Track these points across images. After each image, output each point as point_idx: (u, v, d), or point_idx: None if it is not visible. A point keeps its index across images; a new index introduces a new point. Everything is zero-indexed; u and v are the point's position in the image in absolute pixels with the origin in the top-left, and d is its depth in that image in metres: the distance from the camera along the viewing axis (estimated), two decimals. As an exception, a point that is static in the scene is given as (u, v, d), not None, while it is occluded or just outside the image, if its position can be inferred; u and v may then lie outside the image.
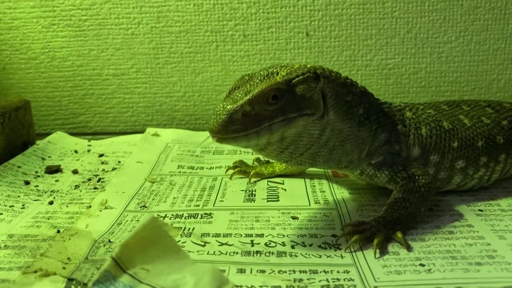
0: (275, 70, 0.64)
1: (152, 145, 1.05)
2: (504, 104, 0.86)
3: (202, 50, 1.22)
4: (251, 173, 0.87)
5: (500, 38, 1.19)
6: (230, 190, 0.83)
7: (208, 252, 0.61)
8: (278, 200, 0.78)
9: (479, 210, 0.73)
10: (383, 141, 0.72)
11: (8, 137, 0.99)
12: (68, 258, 0.60)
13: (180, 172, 0.92)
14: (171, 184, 0.86)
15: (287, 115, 0.61)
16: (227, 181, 0.87)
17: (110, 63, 1.23)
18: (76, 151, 1.06)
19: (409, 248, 0.61)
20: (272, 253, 0.61)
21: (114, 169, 0.95)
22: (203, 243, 0.64)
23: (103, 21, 1.20)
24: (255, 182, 0.87)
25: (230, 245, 0.63)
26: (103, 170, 0.95)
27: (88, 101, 1.26)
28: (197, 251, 0.61)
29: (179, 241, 0.64)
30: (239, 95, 0.61)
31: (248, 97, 0.59)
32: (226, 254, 0.61)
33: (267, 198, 0.79)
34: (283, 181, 0.87)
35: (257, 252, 0.61)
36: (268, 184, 0.85)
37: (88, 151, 1.06)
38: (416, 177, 0.69)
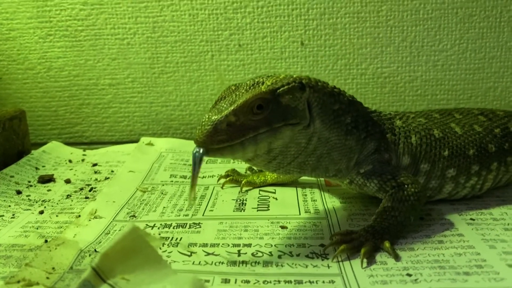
0: (261, 80, 0.64)
1: (146, 155, 1.05)
2: (497, 112, 0.85)
3: (198, 59, 1.22)
4: (243, 182, 0.86)
5: (496, 46, 1.19)
6: (221, 199, 0.83)
7: (194, 262, 0.61)
8: (268, 209, 0.78)
9: (471, 219, 0.72)
10: (372, 150, 0.71)
11: (2, 147, 1.00)
12: (53, 268, 0.60)
13: (172, 181, 0.92)
14: (162, 193, 0.86)
15: (272, 125, 0.61)
16: (219, 190, 0.87)
17: (106, 73, 1.24)
18: (70, 161, 1.06)
19: (397, 258, 0.60)
20: (258, 263, 0.61)
21: (106, 178, 0.95)
22: (189, 253, 0.63)
23: (99, 32, 1.21)
24: (246, 191, 0.86)
25: (216, 255, 0.63)
26: (96, 179, 0.95)
27: (85, 111, 1.27)
28: (183, 261, 0.61)
29: (165, 251, 0.64)
30: (224, 106, 0.60)
31: (232, 107, 0.59)
32: (211, 264, 0.60)
33: (257, 207, 0.79)
34: (275, 190, 0.86)
35: (243, 262, 0.61)
36: (259, 193, 0.85)
37: (82, 160, 1.06)
38: (406, 185, 0.68)
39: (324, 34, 1.20)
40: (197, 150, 0.58)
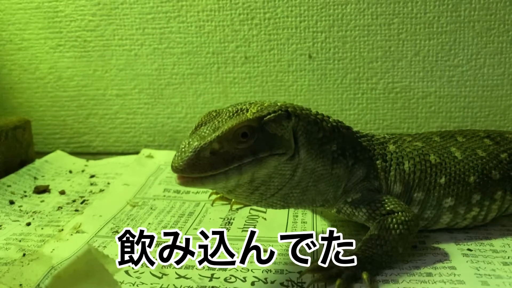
0: (244, 106, 0.60)
1: (144, 167, 1.04)
2: (506, 135, 0.79)
3: (204, 71, 1.21)
4: (233, 200, 0.83)
5: (516, 61, 1.12)
6: (209, 217, 0.80)
7: (162, 285, 0.59)
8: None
9: (468, 249, 0.67)
10: (360, 177, 0.67)
11: (4, 155, 1.01)
12: (20, 285, 0.59)
13: (164, 196, 0.90)
14: (151, 208, 0.84)
15: (258, 154, 0.57)
16: (209, 207, 0.85)
17: (113, 83, 1.24)
18: (70, 171, 1.06)
19: (374, 291, 0.56)
20: (229, 289, 0.58)
21: (101, 190, 0.94)
22: (160, 275, 0.61)
23: (107, 42, 1.21)
24: (237, 209, 0.83)
25: (188, 278, 0.60)
26: (91, 191, 0.94)
27: (92, 121, 1.28)
28: (151, 284, 0.59)
29: (137, 271, 0.62)
30: (207, 132, 0.57)
31: (217, 134, 0.55)
32: (180, 288, 0.58)
33: (243, 228, 0.76)
34: (266, 209, 0.83)
35: (212, 287, 0.58)
36: (249, 212, 0.82)
37: (82, 171, 1.06)
38: (395, 213, 0.64)
39: (333, 47, 1.17)
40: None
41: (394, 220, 0.63)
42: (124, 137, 1.28)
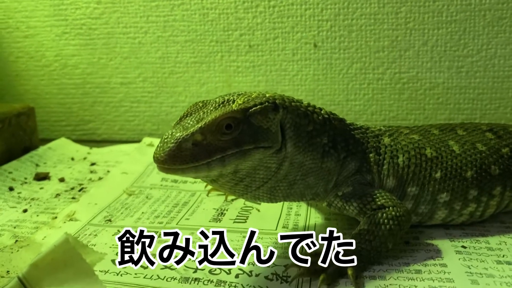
0: (231, 97, 0.59)
1: (144, 156, 1.04)
2: (510, 128, 0.76)
3: (207, 60, 1.20)
4: (228, 190, 0.83)
5: (529, 52, 1.08)
6: (202, 207, 0.80)
7: (146, 275, 0.59)
8: (246, 222, 0.74)
9: (462, 246, 0.65)
10: (353, 170, 0.65)
11: (7, 142, 1.02)
12: (7, 272, 0.59)
13: (161, 185, 0.90)
14: (147, 197, 0.84)
15: (242, 147, 0.56)
16: (204, 197, 0.84)
17: (118, 71, 1.24)
18: (72, 159, 1.07)
19: (358, 287, 0.55)
20: (212, 281, 0.57)
21: (100, 178, 0.95)
22: (146, 265, 0.61)
23: (112, 30, 1.21)
24: (232, 200, 0.83)
25: (172, 269, 0.60)
26: (90, 179, 0.95)
27: (97, 109, 1.28)
28: (135, 274, 0.59)
29: (124, 260, 0.62)
30: (190, 123, 0.56)
31: (200, 125, 0.54)
32: (163, 279, 0.58)
33: (234, 219, 0.75)
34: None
35: (195, 279, 0.58)
36: (244, 204, 0.81)
37: (84, 158, 1.07)
38: (386, 208, 0.62)
39: (338, 36, 1.14)
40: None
41: (384, 215, 0.61)
42: (129, 125, 1.28)
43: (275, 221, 0.74)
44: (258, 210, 0.78)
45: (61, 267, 0.48)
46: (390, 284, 0.56)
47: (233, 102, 0.58)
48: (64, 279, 0.48)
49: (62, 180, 0.94)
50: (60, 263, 0.48)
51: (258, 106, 0.58)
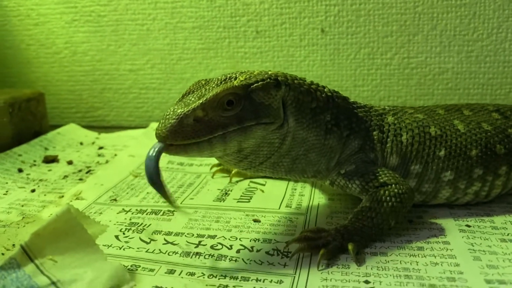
0: (233, 75, 0.59)
1: (151, 140, 1.02)
2: (518, 109, 0.75)
3: (215, 46, 1.20)
4: (233, 172, 0.83)
5: (541, 36, 1.06)
6: (207, 188, 0.80)
7: (148, 250, 0.59)
8: (249, 202, 0.74)
9: (467, 225, 0.64)
10: (355, 148, 0.65)
11: (17, 127, 1.04)
12: (13, 245, 0.60)
13: (168, 167, 0.91)
14: (152, 179, 0.85)
15: (244, 123, 0.56)
16: (209, 179, 0.85)
17: (126, 58, 1.25)
18: (81, 143, 1.08)
19: (358, 263, 0.55)
20: (213, 256, 0.58)
21: (107, 161, 0.96)
22: (149, 240, 0.62)
23: (120, 17, 1.22)
24: (236, 182, 0.83)
25: (174, 244, 0.61)
26: (97, 162, 0.96)
27: (106, 95, 1.29)
28: (137, 248, 0.59)
29: (128, 236, 0.63)
30: (192, 99, 0.56)
31: (201, 101, 0.55)
32: (165, 253, 0.58)
33: (238, 199, 0.75)
34: (266, 182, 0.82)
35: (197, 253, 0.58)
36: (248, 185, 0.82)
37: (93, 143, 1.08)
38: (388, 185, 0.62)
39: (346, 21, 1.13)
40: (155, 146, 0.54)
41: (386, 192, 0.61)
42: (137, 111, 1.29)
43: (278, 201, 0.74)
44: (262, 191, 0.79)
45: (62, 236, 0.49)
46: (391, 260, 0.56)
47: (235, 79, 0.58)
48: (66, 248, 0.48)
49: (70, 163, 0.95)
50: (62, 233, 0.49)
51: (260, 83, 0.58)
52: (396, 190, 0.61)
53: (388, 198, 0.61)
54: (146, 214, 0.70)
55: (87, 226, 0.50)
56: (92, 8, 1.23)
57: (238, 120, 0.56)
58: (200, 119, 0.54)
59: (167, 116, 0.55)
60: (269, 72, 0.61)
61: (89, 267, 0.47)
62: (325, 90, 0.65)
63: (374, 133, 0.66)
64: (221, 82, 0.58)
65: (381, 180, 0.62)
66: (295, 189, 0.79)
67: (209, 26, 1.19)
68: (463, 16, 1.08)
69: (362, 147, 0.66)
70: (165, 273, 0.54)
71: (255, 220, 0.67)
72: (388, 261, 0.56)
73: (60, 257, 0.48)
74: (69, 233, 0.49)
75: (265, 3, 1.15)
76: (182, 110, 0.54)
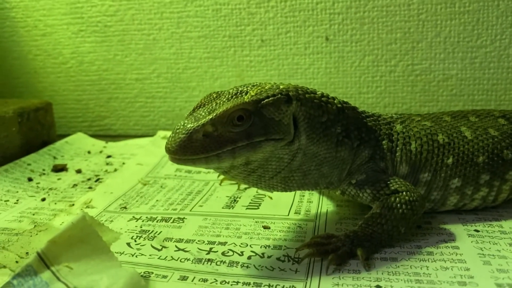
0: (245, 89, 0.60)
1: (158, 148, 1.05)
2: (524, 114, 0.76)
3: (220, 55, 1.21)
4: (241, 179, 0.84)
5: (544, 42, 1.07)
6: (216, 195, 0.81)
7: (160, 257, 0.60)
8: (258, 208, 0.75)
9: (475, 230, 0.65)
10: (366, 158, 0.66)
11: (25, 136, 1.05)
12: (27, 253, 0.61)
13: (175, 175, 0.92)
14: (161, 186, 0.86)
15: (253, 139, 0.56)
16: (217, 186, 0.86)
17: (133, 67, 1.27)
18: (89, 152, 1.09)
19: (368, 268, 0.55)
20: (224, 262, 0.58)
21: (116, 170, 0.96)
22: (160, 247, 0.62)
23: (127, 27, 1.24)
24: (245, 189, 0.84)
25: (186, 251, 0.61)
26: (106, 171, 0.97)
27: (113, 105, 1.31)
28: (149, 255, 0.60)
29: (139, 243, 0.63)
30: (202, 114, 0.57)
31: (211, 117, 0.55)
32: (177, 260, 0.59)
33: (247, 206, 0.76)
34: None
35: (208, 260, 0.59)
36: (257, 192, 0.82)
37: (100, 152, 1.09)
38: (399, 193, 0.62)
39: (350, 28, 1.15)
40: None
41: (397, 199, 0.62)
42: (144, 120, 1.30)
43: (287, 208, 0.75)
44: (271, 198, 0.79)
45: (78, 243, 0.49)
46: (401, 265, 0.56)
47: (246, 93, 0.58)
48: (81, 255, 0.49)
49: (79, 171, 0.96)
50: (77, 240, 0.49)
51: (270, 98, 0.58)
52: (407, 198, 0.62)
53: (399, 205, 0.61)
54: (157, 221, 0.71)
55: (101, 234, 0.51)
56: (98, 19, 1.24)
57: (248, 135, 0.56)
58: (209, 134, 0.55)
59: (177, 131, 0.55)
60: (281, 87, 0.60)
61: (104, 274, 0.47)
62: (335, 102, 0.65)
63: (384, 142, 0.67)
64: (232, 97, 0.59)
65: (392, 188, 0.63)
66: (303, 196, 0.80)
67: (215, 36, 1.20)
68: (466, 23, 1.09)
69: (372, 156, 0.66)
70: (178, 279, 0.54)
71: (264, 227, 0.68)
72: (399, 266, 0.56)
73: (75, 264, 0.49)
74: (85, 240, 0.49)
75: (270, 12, 1.17)
76: (191, 125, 0.55)
